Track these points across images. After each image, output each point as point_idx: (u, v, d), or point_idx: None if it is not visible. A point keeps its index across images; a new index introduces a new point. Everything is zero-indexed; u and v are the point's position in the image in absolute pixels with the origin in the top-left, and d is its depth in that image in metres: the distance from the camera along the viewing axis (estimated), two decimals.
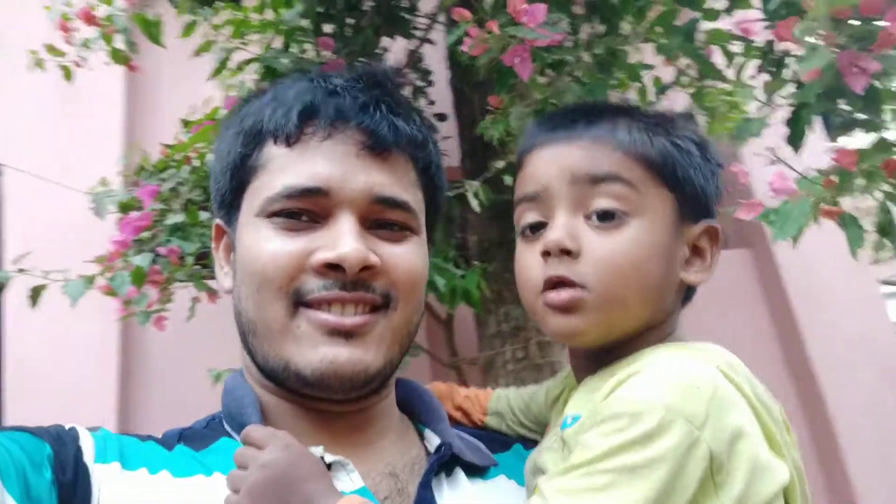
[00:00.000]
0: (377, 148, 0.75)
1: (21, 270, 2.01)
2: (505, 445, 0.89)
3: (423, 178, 0.82)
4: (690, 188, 0.77)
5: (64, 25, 2.34)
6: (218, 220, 0.83)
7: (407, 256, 0.76)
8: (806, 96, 1.36)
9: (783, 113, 1.60)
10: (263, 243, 0.72)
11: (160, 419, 2.97)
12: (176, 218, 2.18)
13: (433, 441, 0.80)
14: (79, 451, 0.65)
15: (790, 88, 1.52)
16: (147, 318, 2.32)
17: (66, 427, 0.69)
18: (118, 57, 2.39)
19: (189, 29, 2.28)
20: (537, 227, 0.77)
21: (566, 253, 0.72)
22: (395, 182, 0.76)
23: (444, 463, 0.75)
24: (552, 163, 0.77)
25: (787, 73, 1.62)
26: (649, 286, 0.73)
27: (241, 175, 0.77)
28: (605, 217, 0.73)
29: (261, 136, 0.76)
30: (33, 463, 0.60)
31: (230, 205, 0.79)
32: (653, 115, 0.81)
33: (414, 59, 3.27)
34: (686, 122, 0.82)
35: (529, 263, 0.76)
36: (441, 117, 3.41)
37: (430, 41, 3.27)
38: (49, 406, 2.92)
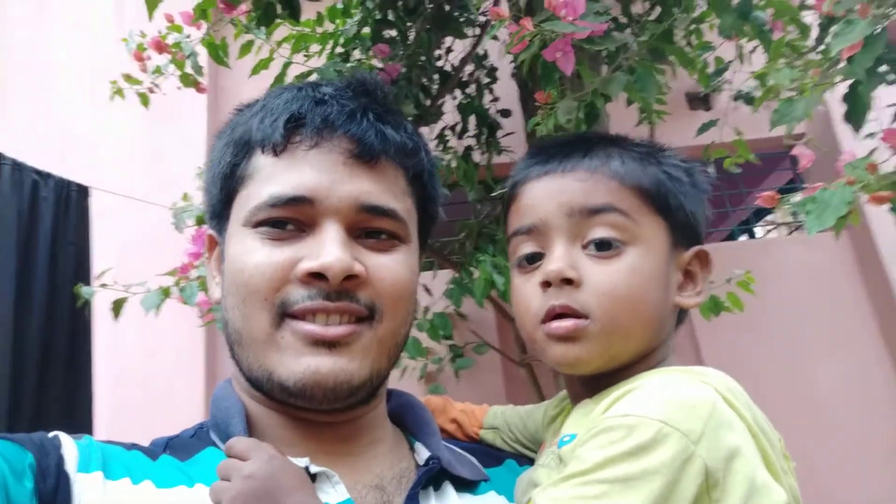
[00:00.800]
0: (365, 156, 0.74)
1: (103, 286, 2.17)
2: (498, 460, 0.87)
3: (414, 186, 0.81)
4: (682, 215, 0.78)
5: (139, 56, 2.50)
6: (210, 231, 0.83)
7: (393, 266, 0.75)
8: (855, 72, 1.26)
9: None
10: (249, 254, 0.72)
11: None
12: None
13: (423, 454, 0.78)
14: (60, 459, 0.64)
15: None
16: None
17: (49, 435, 0.68)
18: (188, 80, 2.53)
19: (245, 49, 2.38)
20: (533, 259, 0.77)
21: (567, 282, 0.73)
22: (384, 190, 0.75)
23: (433, 476, 0.74)
24: (548, 195, 0.77)
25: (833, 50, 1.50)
26: (648, 313, 0.74)
27: (229, 185, 0.77)
28: (603, 247, 0.73)
29: (249, 146, 0.76)
30: (14, 472, 0.60)
31: (220, 215, 0.79)
32: (643, 144, 0.82)
33: (478, 57, 3.26)
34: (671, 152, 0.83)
35: (528, 294, 0.76)
36: (505, 113, 3.39)
37: (495, 37, 3.25)
38: (146, 406, 3.16)
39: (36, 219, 2.40)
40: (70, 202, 2.38)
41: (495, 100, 3.40)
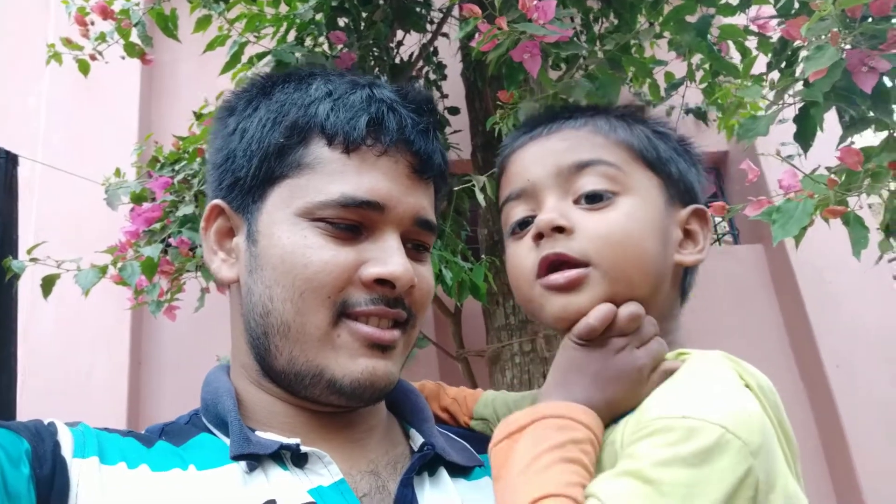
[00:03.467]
0: (424, 172, 0.77)
1: (34, 260, 2.04)
2: None
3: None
4: (675, 170, 0.78)
5: (81, 19, 2.36)
6: (219, 202, 0.79)
7: (427, 276, 0.79)
8: (814, 94, 1.35)
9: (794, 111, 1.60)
10: (314, 250, 0.71)
11: (170, 407, 3.02)
12: (186, 209, 2.20)
13: (417, 440, 0.80)
14: (56, 445, 0.65)
15: (799, 86, 1.51)
16: (159, 307, 2.36)
17: (45, 422, 0.68)
18: (132, 50, 2.41)
19: (202, 23, 2.29)
20: (525, 224, 0.77)
21: (559, 231, 0.72)
22: (431, 206, 0.79)
23: (428, 462, 0.75)
24: (535, 158, 0.77)
25: (797, 71, 1.61)
26: (647, 262, 0.72)
27: (273, 165, 0.74)
28: (594, 199, 0.73)
29: (309, 133, 0.74)
30: (11, 459, 0.60)
31: (249, 190, 0.76)
32: (629, 107, 0.83)
33: (427, 53, 3.27)
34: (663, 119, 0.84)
35: (522, 254, 0.76)
36: (453, 111, 3.42)
37: (445, 35, 3.27)
38: (61, 394, 2.98)
39: None
40: None
41: (444, 96, 3.42)
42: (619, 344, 0.69)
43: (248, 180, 0.76)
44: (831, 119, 1.74)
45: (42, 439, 0.64)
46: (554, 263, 0.72)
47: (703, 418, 0.58)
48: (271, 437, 0.70)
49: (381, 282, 0.71)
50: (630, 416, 0.66)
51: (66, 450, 0.65)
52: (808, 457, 3.48)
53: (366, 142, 0.73)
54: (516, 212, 0.78)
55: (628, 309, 0.69)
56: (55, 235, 2.77)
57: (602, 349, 0.69)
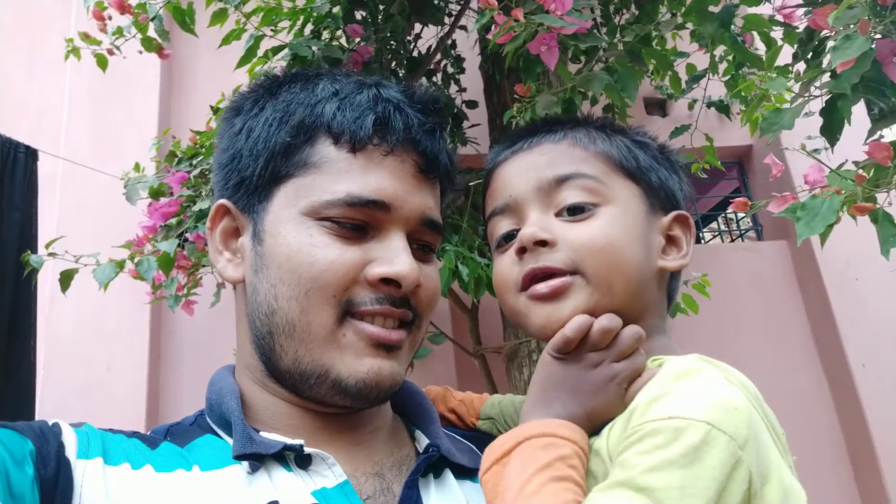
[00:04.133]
0: (430, 172, 0.77)
1: (52, 254, 2.05)
2: None
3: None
4: (655, 179, 0.79)
5: (98, 14, 2.37)
6: (225, 201, 0.79)
7: (433, 276, 0.78)
8: (841, 86, 1.30)
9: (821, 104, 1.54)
10: (320, 248, 0.71)
11: (190, 400, 3.04)
12: (203, 204, 2.20)
13: (423, 442, 0.79)
14: (61, 446, 0.65)
15: (826, 78, 1.46)
16: (177, 301, 2.37)
17: (50, 423, 0.68)
18: (149, 45, 2.41)
19: (217, 17, 2.29)
20: (510, 237, 0.78)
21: (541, 244, 0.73)
22: (436, 206, 0.80)
23: (433, 464, 0.75)
24: (516, 173, 0.79)
25: (825, 62, 1.56)
26: (630, 268, 0.73)
27: (279, 164, 0.74)
28: (575, 211, 0.74)
29: (314, 131, 0.74)
30: (15, 459, 0.60)
31: (255, 190, 0.76)
32: (607, 119, 0.85)
33: (445, 46, 3.24)
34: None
35: (506, 267, 0.77)
36: (471, 104, 3.39)
37: (462, 27, 3.24)
38: (81, 388, 3.01)
39: None
40: (17, 165, 2.23)
41: (462, 90, 3.39)
42: (596, 358, 0.69)
43: (254, 180, 0.76)
44: (860, 112, 1.68)
45: (46, 440, 0.65)
46: (538, 276, 0.73)
47: (689, 417, 0.59)
48: (275, 437, 0.70)
49: (387, 281, 0.71)
50: (615, 423, 0.67)
51: (70, 450, 0.65)
52: (833, 457, 3.41)
53: (372, 141, 0.73)
54: (501, 226, 0.79)
55: (601, 323, 0.70)
56: (76, 230, 2.79)
57: (579, 363, 0.70)
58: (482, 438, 0.88)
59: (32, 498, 0.59)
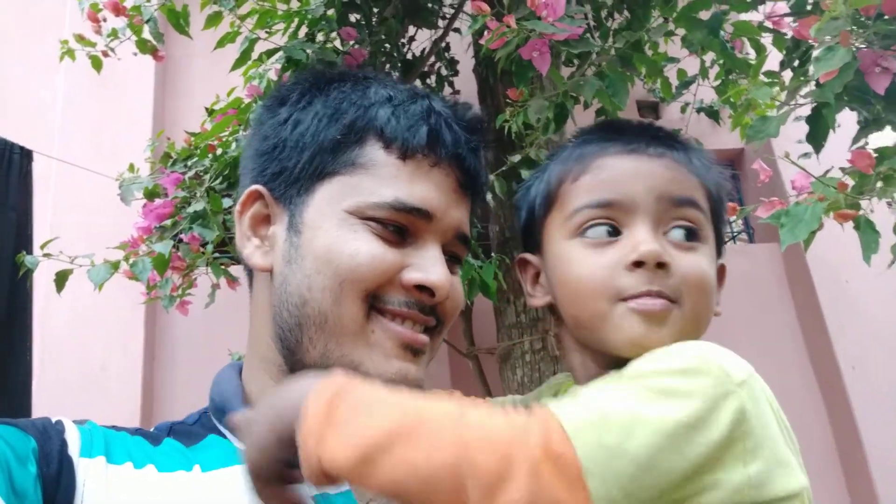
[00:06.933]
0: (468, 189, 0.79)
1: (47, 255, 2.06)
2: None
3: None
4: (721, 227, 0.81)
5: (93, 16, 2.38)
6: (260, 187, 0.78)
7: (459, 288, 0.80)
8: (825, 95, 1.33)
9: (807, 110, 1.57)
10: (362, 242, 0.71)
11: (184, 400, 3.05)
12: (198, 205, 2.21)
13: None
14: (63, 444, 0.65)
15: (812, 86, 1.48)
16: (172, 302, 2.38)
17: (53, 420, 0.68)
18: (144, 47, 2.42)
19: (212, 20, 2.30)
20: (607, 233, 0.75)
21: (660, 266, 0.71)
22: (469, 221, 0.82)
23: None
24: (636, 175, 0.76)
25: (810, 71, 1.58)
26: (710, 312, 0.75)
27: (326, 161, 0.75)
28: (690, 237, 0.74)
29: (366, 134, 0.75)
30: (18, 457, 0.60)
31: (295, 181, 0.76)
32: (711, 154, 0.84)
33: (439, 49, 3.26)
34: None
35: (605, 268, 0.74)
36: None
37: (456, 30, 3.26)
38: (76, 387, 3.02)
39: None
40: (12, 165, 2.24)
41: (456, 92, 3.41)
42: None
43: (297, 172, 0.76)
44: (850, 117, 1.71)
45: (49, 438, 0.65)
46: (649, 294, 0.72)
47: (689, 349, 0.62)
48: None
49: (421, 288, 0.72)
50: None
51: (73, 449, 0.66)
52: (823, 459, 3.44)
53: (422, 151, 0.74)
54: (593, 216, 0.76)
55: None
56: (71, 231, 2.80)
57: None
58: None
59: (35, 496, 0.60)
